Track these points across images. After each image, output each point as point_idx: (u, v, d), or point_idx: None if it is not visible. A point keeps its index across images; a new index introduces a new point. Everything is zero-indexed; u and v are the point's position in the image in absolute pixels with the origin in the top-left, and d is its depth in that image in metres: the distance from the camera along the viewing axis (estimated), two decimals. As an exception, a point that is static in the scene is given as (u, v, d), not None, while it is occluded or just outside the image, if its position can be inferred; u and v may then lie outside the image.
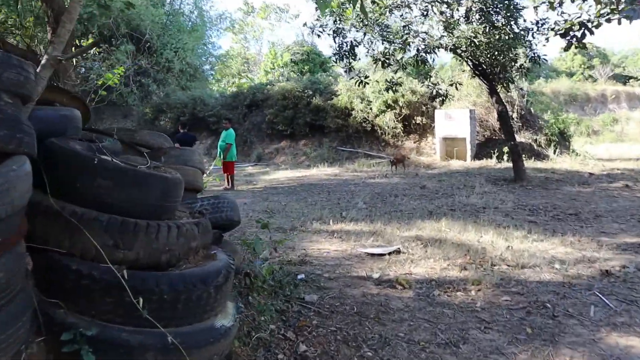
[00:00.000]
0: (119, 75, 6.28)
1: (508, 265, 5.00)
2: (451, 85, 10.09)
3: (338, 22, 10.18)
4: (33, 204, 2.66)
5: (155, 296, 2.48)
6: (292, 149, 20.07)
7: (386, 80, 10.57)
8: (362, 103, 18.43)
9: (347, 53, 10.90)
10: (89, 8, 26.34)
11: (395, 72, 10.58)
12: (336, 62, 11.26)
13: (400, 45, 9.84)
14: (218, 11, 64.56)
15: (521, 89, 16.92)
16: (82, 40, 27.98)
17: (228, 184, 12.79)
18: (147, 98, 26.95)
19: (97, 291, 2.47)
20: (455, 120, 15.86)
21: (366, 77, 10.87)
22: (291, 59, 35.47)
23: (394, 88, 10.38)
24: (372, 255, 5.60)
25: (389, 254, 5.53)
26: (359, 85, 10.84)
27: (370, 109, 18.32)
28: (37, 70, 3.03)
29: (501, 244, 5.77)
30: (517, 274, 4.76)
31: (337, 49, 10.96)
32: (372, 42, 10.20)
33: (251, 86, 23.39)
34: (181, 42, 28.98)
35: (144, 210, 2.81)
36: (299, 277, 4.85)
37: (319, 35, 10.66)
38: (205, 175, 5.56)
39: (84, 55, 27.53)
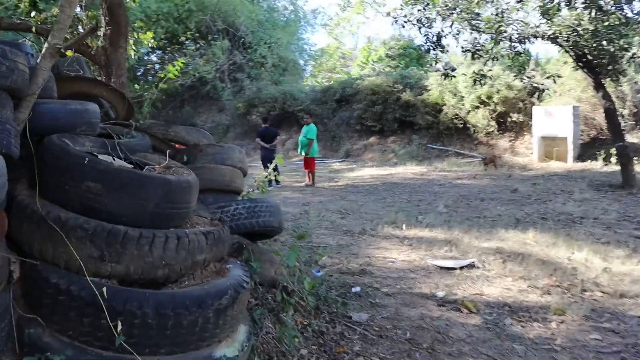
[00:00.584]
0: (179, 68, 6.06)
1: (603, 293, 4.18)
2: (548, 78, 9.05)
3: (423, 10, 9.48)
4: (21, 206, 2.40)
5: (138, 319, 2.11)
6: (380, 145, 19.47)
7: (474, 72, 9.70)
8: (454, 98, 17.45)
9: (433, 44, 10.18)
10: (186, 5, 27.33)
11: (485, 63, 9.68)
12: (422, 54, 10.55)
13: (492, 35, 8.97)
14: (312, 6, 65.06)
15: (635, 82, 15.14)
16: (180, 39, 29.11)
17: (309, 181, 12.49)
18: (241, 92, 27.42)
19: (75, 309, 2.13)
20: (555, 118, 14.49)
21: (453, 69, 10.07)
22: (387, 54, 34.73)
23: (482, 81, 9.48)
24: (442, 268, 4.98)
25: (461, 268, 4.89)
26: (444, 79, 10.07)
27: (463, 104, 17.28)
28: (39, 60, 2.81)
29: (597, 264, 4.90)
30: (613, 304, 3.94)
31: (424, 40, 10.29)
32: (460, 32, 9.39)
33: (341, 81, 23.01)
34: (275, 37, 29.22)
35: (141, 218, 2.44)
36: (354, 289, 4.36)
37: (403, 26, 10.04)
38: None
39: (183, 50, 28.60)
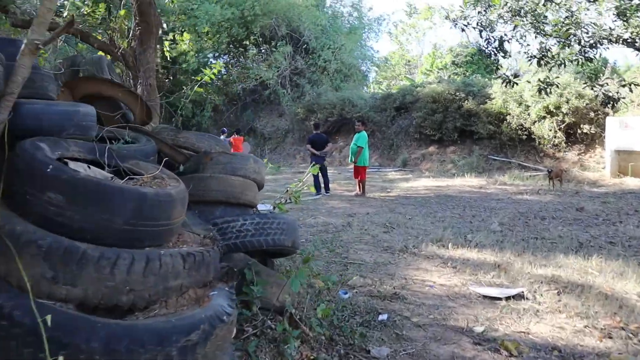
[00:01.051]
0: (215, 72, 5.79)
1: (678, 341, 3.50)
2: (624, 86, 8.16)
3: (484, 13, 8.82)
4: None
5: (83, 355, 1.76)
6: (439, 155, 18.72)
7: (539, 80, 8.91)
8: (518, 108, 16.46)
9: (495, 49, 9.49)
10: (252, 10, 27.54)
11: (550, 70, 8.89)
12: (482, 59, 9.89)
13: (560, 39, 8.19)
14: (377, 14, 64.43)
15: None
16: (244, 42, 29.36)
17: (359, 190, 12.04)
18: (301, 98, 27.30)
19: (15, 338, 1.81)
20: (632, 130, 13.31)
21: (515, 76, 9.32)
22: (453, 61, 33.84)
23: (548, 90, 8.67)
24: (485, 297, 4.39)
25: (507, 298, 4.29)
26: (506, 86, 9.34)
27: (528, 114, 16.27)
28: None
29: (673, 303, 4.19)
30: (689, 357, 3.28)
31: (484, 44, 9.61)
32: (524, 36, 8.65)
33: (401, 88, 22.42)
34: (339, 43, 28.96)
35: (108, 235, 2.10)
36: (380, 317, 3.87)
37: (463, 30, 9.40)
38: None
39: (246, 54, 28.83)
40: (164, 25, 29.98)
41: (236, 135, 17.37)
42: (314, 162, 11.94)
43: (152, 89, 5.36)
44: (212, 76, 6.05)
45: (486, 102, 17.58)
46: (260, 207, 8.38)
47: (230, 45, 30.11)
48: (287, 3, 28.17)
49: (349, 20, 35.15)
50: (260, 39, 28.60)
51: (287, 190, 4.70)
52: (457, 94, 18.53)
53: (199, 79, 6.11)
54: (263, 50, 28.58)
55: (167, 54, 29.82)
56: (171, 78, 31.94)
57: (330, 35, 30.00)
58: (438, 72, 32.43)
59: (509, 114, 16.74)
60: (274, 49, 28.21)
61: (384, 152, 21.05)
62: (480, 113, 17.53)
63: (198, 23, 26.53)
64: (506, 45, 9.44)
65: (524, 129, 16.46)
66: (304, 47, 28.56)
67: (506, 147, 17.16)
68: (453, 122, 18.28)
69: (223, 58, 32.33)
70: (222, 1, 27.28)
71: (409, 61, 47.84)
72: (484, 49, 9.67)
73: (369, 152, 11.96)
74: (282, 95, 27.76)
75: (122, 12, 6.13)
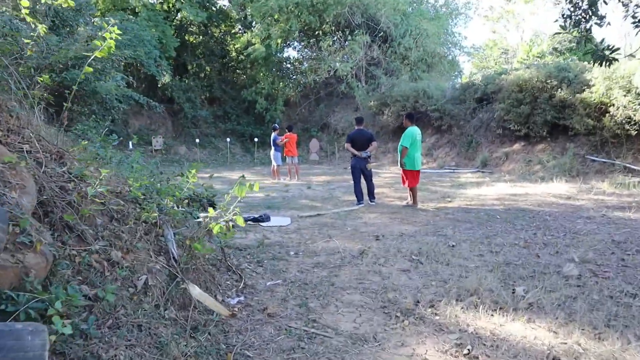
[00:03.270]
0: (112, 43, 3.97)
1: None
2: None
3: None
4: None
5: None
6: (525, 154, 15.79)
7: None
8: (626, 96, 13.17)
9: (584, 14, 6.89)
10: (323, -3, 25.60)
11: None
12: (566, 30, 7.29)
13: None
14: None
15: None
16: (317, 32, 27.51)
17: (410, 200, 9.78)
18: (376, 90, 25.08)
19: None
20: None
21: (613, 49, 6.62)
22: (555, 48, 30.21)
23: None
24: None
25: None
26: (600, 64, 6.69)
27: (639, 104, 12.94)
28: None
29: None
30: None
31: (570, 8, 7.04)
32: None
33: (484, 76, 19.54)
34: (421, 30, 26.35)
35: None
36: None
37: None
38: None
39: (318, 43, 26.93)
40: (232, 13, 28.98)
41: (289, 133, 15.58)
42: (353, 164, 9.88)
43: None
44: (110, 48, 4.24)
45: (584, 91, 14.38)
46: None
47: (302, 33, 28.41)
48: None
49: (435, 6, 32.27)
50: (334, 28, 26.63)
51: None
52: (549, 81, 15.44)
53: (89, 54, 4.33)
54: (336, 39, 26.58)
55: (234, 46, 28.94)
56: (242, 71, 30.91)
57: (412, 20, 27.43)
58: (535, 60, 28.88)
59: (613, 105, 13.46)
60: (350, 39, 26.16)
61: (461, 151, 18.37)
62: (577, 104, 14.36)
63: (265, 9, 24.99)
64: (602, 8, 6.86)
65: (632, 123, 13.12)
66: (380, 35, 26.24)
67: (608, 146, 13.90)
68: (543, 115, 15.25)
69: (294, 47, 30.76)
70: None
71: (506, 50, 43.88)
72: (569, 13, 7.10)
73: (420, 152, 9.58)
74: (355, 88, 25.68)
75: None
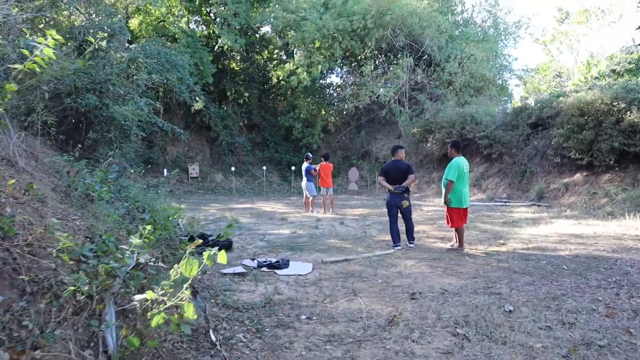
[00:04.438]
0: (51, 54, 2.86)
1: None
2: None
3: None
4: None
5: None
6: (588, 186, 14.00)
7: None
8: None
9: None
10: (364, 22, 24.58)
11: None
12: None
13: None
14: (516, 17, 57.79)
15: None
16: (359, 56, 26.44)
17: (456, 242, 8.33)
18: (420, 116, 23.70)
19: None
20: None
21: None
22: (613, 69, 28.17)
23: None
24: None
25: None
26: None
27: None
28: None
29: None
30: None
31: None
32: None
33: (538, 99, 17.88)
34: (467, 53, 24.94)
35: None
36: None
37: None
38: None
39: (361, 68, 25.86)
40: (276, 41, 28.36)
41: (324, 162, 14.37)
42: (388, 201, 8.56)
43: None
44: (43, 62, 3.14)
45: (658, 113, 12.61)
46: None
47: (344, 59, 27.43)
48: (407, 11, 24.79)
49: (483, 27, 30.76)
50: (376, 52, 25.53)
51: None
52: (616, 103, 13.69)
53: (23, 67, 3.22)
54: (378, 64, 25.43)
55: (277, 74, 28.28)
56: (282, 97, 30.15)
57: (457, 44, 26.04)
58: (593, 82, 26.90)
59: (697, 129, 11.66)
60: (393, 63, 24.97)
61: (513, 181, 16.67)
62: (650, 128, 12.58)
63: (306, 36, 24.18)
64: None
65: None
66: (424, 58, 24.94)
67: (691, 176, 12.06)
68: (609, 141, 13.48)
69: (337, 73, 29.80)
70: (330, 10, 24.67)
71: (559, 73, 41.72)
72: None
73: (468, 187, 8.14)
74: (398, 114, 24.36)
75: None
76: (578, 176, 14.52)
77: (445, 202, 7.94)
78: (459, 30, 29.13)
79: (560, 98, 16.15)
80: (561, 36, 43.30)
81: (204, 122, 25.88)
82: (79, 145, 8.02)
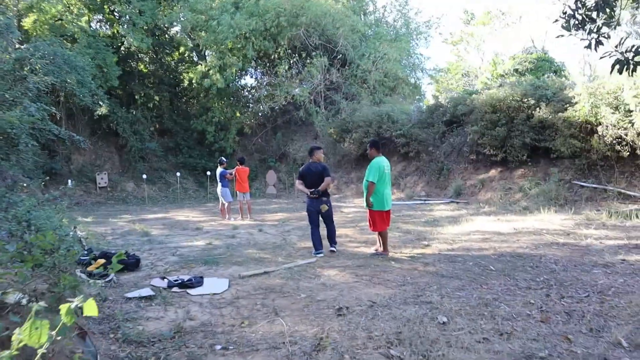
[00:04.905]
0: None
1: None
2: None
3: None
4: None
5: None
6: (503, 181, 14.25)
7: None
8: (614, 114, 11.80)
9: (588, 12, 5.38)
10: (276, 21, 24.06)
11: None
12: (570, 31, 5.65)
13: None
14: (425, 17, 59.60)
15: None
16: (273, 56, 25.91)
17: (379, 246, 7.97)
18: (336, 116, 23.50)
19: None
20: None
21: (638, 52, 5.03)
22: (515, 69, 29.37)
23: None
24: None
25: None
26: (620, 71, 5.10)
27: (631, 122, 11.50)
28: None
29: None
30: None
31: (573, 5, 5.48)
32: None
33: (452, 97, 18.12)
34: (381, 52, 25.04)
35: None
36: None
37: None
38: None
39: (274, 68, 25.35)
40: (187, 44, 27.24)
41: (240, 166, 13.68)
42: (307, 205, 8.07)
43: None
44: None
45: (566, 109, 12.98)
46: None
47: (258, 60, 26.79)
48: (321, 11, 24.52)
49: (395, 27, 31.15)
50: (290, 51, 25.07)
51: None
52: (525, 100, 14.03)
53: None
54: (292, 63, 25.00)
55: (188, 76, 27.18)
56: (195, 100, 29.02)
57: (371, 43, 26.13)
58: (497, 81, 27.93)
59: (601, 123, 12.07)
60: (307, 62, 24.64)
61: (431, 179, 16.76)
62: (559, 124, 12.93)
63: (219, 38, 23.28)
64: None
65: (624, 143, 11.67)
66: (339, 57, 24.80)
67: (597, 169, 12.47)
68: (521, 137, 13.79)
69: (251, 74, 29.06)
70: (242, 10, 23.93)
71: (467, 72, 43.23)
72: (572, 13, 5.54)
73: (390, 188, 7.81)
74: (314, 114, 24.04)
75: None
76: (493, 172, 14.77)
77: (368, 205, 7.56)
78: (372, 29, 29.29)
79: (473, 95, 16.43)
80: (468, 37, 44.96)
81: (111, 128, 24.27)
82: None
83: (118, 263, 7.31)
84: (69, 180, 21.29)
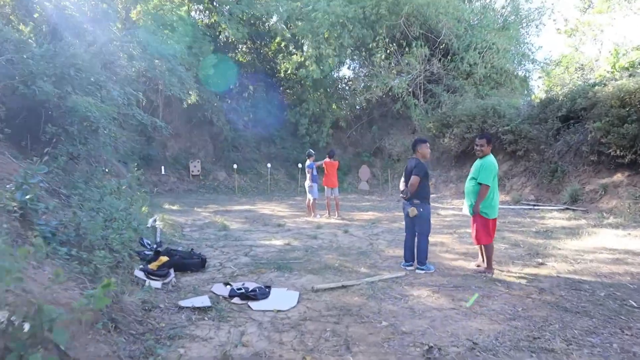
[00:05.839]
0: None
1: None
2: None
3: None
4: None
5: None
6: (632, 188, 12.14)
7: None
8: None
9: None
10: (376, 8, 22.86)
11: None
12: None
13: None
14: (535, 4, 55.33)
15: None
16: (370, 45, 24.73)
17: (482, 262, 6.64)
18: (436, 110, 21.94)
19: None
20: None
21: None
22: (641, 60, 26.13)
23: None
24: None
25: None
26: None
27: None
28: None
29: None
30: None
31: None
32: None
33: (569, 90, 16.02)
34: (489, 42, 23.07)
35: None
36: None
37: None
38: None
39: (372, 58, 24.16)
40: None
41: (329, 159, 12.74)
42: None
43: None
44: None
45: None
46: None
47: (355, 50, 25.74)
48: (424, 0, 22.95)
49: (502, 14, 28.72)
50: (388, 40, 23.76)
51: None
52: (664, 92, 11.87)
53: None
54: (389, 53, 23.67)
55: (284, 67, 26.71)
56: (291, 92, 28.58)
57: (477, 31, 24.16)
58: (619, 74, 24.91)
59: None
60: (406, 52, 23.22)
61: (542, 181, 14.85)
62: None
63: (314, 26, 22.47)
64: None
65: None
66: (441, 47, 23.14)
67: None
68: (656, 137, 11.65)
69: (348, 66, 28.09)
70: (339, -2, 22.98)
71: (582, 65, 39.54)
72: None
73: (497, 194, 6.42)
74: (412, 107, 22.61)
75: None
76: (619, 176, 12.69)
77: (475, 212, 6.23)
78: (477, 18, 27.20)
79: (596, 87, 14.31)
80: (584, 26, 41.10)
81: (206, 116, 24.31)
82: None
83: (180, 264, 6.44)
84: (163, 167, 21.52)
